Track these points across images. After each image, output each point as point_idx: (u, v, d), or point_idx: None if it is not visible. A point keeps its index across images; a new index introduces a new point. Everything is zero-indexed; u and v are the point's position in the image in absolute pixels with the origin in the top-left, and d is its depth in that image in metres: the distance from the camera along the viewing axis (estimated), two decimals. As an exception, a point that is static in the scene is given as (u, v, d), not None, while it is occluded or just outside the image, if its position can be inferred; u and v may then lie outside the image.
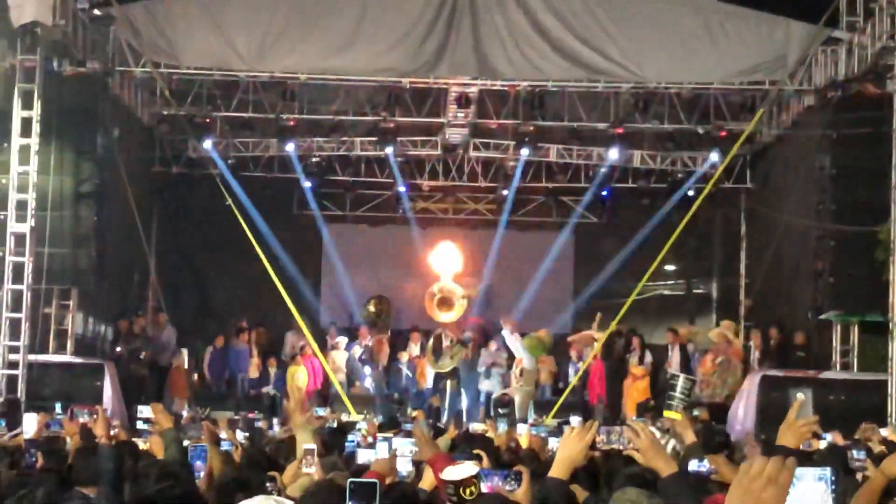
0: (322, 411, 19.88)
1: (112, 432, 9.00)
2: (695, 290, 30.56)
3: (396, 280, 29.01)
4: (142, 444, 10.23)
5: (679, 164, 27.72)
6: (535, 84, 23.42)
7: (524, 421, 18.51)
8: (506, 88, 24.56)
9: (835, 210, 20.82)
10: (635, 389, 24.42)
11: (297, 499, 5.92)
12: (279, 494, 6.26)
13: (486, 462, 6.67)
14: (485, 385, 25.48)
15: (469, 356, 25.11)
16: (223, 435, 12.56)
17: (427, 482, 6.61)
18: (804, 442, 6.42)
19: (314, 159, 27.61)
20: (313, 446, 7.46)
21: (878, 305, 19.83)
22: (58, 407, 16.06)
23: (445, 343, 24.50)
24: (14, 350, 19.47)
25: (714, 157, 26.07)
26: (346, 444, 11.79)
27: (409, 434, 12.51)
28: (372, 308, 27.88)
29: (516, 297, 28.26)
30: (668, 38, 21.16)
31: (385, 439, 9.88)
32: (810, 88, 22.62)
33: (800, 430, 5.79)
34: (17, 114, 19.66)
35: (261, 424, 18.40)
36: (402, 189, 28.47)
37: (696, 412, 21.37)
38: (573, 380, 25.25)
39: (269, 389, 25.54)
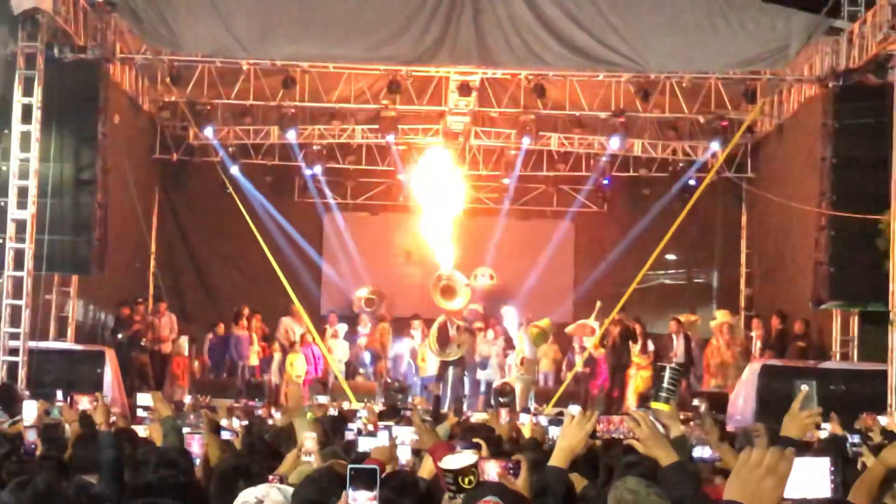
0: (322, 399, 19.90)
1: (112, 419, 9.01)
2: (695, 280, 30.55)
3: (397, 268, 29.02)
4: (141, 432, 10.24)
5: (680, 152, 27.73)
6: (536, 73, 23.41)
7: (526, 410, 18.51)
8: (507, 77, 24.56)
9: (835, 200, 20.79)
10: (639, 378, 24.46)
11: (296, 486, 5.93)
12: (281, 482, 6.26)
13: (485, 451, 6.67)
14: (484, 374, 25.50)
15: (475, 345, 25.17)
16: (223, 422, 12.59)
17: (426, 470, 6.60)
18: (808, 433, 6.43)
19: (315, 147, 27.62)
20: (313, 434, 7.46)
21: (878, 295, 19.82)
22: (59, 394, 16.08)
23: (452, 332, 24.51)
24: (14, 337, 19.47)
25: (715, 146, 26.10)
26: (347, 432, 11.78)
27: (409, 422, 12.52)
28: (367, 293, 27.87)
29: (517, 285, 28.28)
30: (669, 27, 21.12)
31: (385, 427, 9.87)
32: (811, 78, 22.61)
33: (804, 421, 5.80)
34: (18, 100, 19.65)
35: (261, 412, 18.39)
36: (401, 177, 28.43)
37: (695, 402, 21.45)
38: (574, 368, 25.27)
39: (270, 376, 25.52)
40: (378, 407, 19.08)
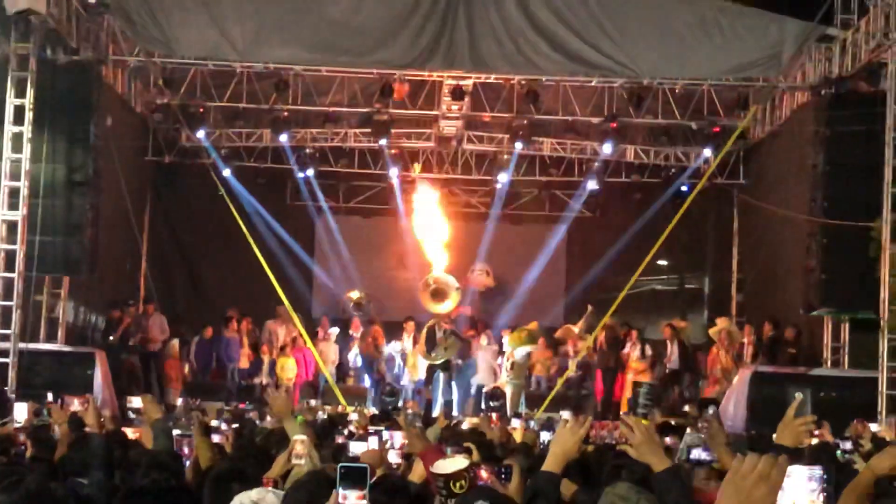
0: (313, 402, 19.92)
1: (102, 421, 9.00)
2: (687, 286, 30.60)
3: (389, 272, 29.03)
4: (131, 434, 10.23)
5: (672, 159, 27.78)
6: (529, 78, 23.42)
7: (517, 415, 18.52)
8: (500, 82, 24.57)
9: (827, 207, 20.82)
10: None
11: (287, 490, 5.92)
12: (276, 486, 6.26)
13: (475, 455, 6.67)
14: (475, 378, 25.49)
15: (464, 348, 25.16)
16: (214, 423, 12.58)
17: (417, 475, 6.61)
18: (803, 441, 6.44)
19: (308, 150, 27.62)
20: (304, 437, 7.45)
21: (869, 302, 19.85)
22: (49, 396, 16.06)
23: (439, 334, 24.50)
24: (5, 338, 19.43)
25: (707, 152, 26.14)
26: (337, 435, 11.78)
27: (396, 424, 12.52)
28: (356, 296, 27.85)
29: (508, 290, 28.30)
30: (662, 33, 21.14)
31: (376, 432, 9.87)
32: (804, 85, 22.66)
33: (798, 429, 5.80)
34: (10, 101, 19.62)
35: (252, 415, 18.39)
36: (394, 181, 28.41)
37: (686, 408, 21.46)
38: (566, 373, 25.28)
39: (261, 378, 25.47)
40: (372, 410, 19.13)
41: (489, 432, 11.41)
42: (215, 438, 9.91)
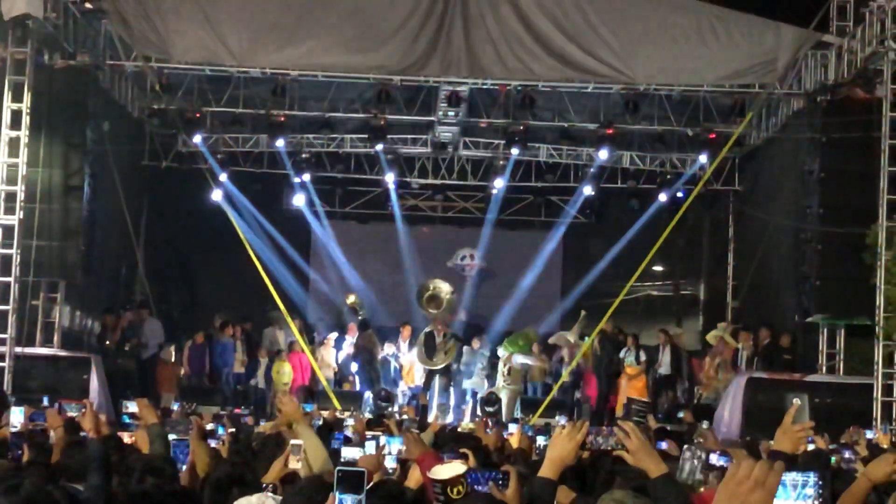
0: (308, 407, 19.88)
1: (99, 426, 8.99)
2: (682, 292, 30.62)
3: (385, 276, 29.03)
4: (126, 439, 10.22)
5: (668, 165, 27.80)
6: (525, 84, 23.44)
7: (514, 420, 18.52)
8: (496, 88, 24.57)
9: (822, 213, 20.87)
10: (632, 388, 24.50)
11: (284, 494, 5.93)
12: (275, 491, 6.26)
13: (472, 461, 6.68)
14: (469, 383, 25.49)
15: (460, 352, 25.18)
16: (210, 426, 12.57)
17: (413, 480, 6.61)
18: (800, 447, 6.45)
19: (304, 155, 27.62)
20: (300, 442, 7.46)
21: (864, 309, 19.89)
22: (44, 400, 16.04)
23: (438, 339, 24.50)
24: (1, 342, 19.42)
25: (703, 158, 26.17)
26: (334, 440, 11.77)
27: (389, 429, 12.51)
28: (352, 301, 27.85)
29: (504, 295, 28.31)
30: (658, 39, 21.18)
31: (373, 437, 9.88)
32: (800, 92, 22.69)
33: (797, 435, 5.81)
34: (7, 106, 19.64)
35: (248, 420, 18.38)
36: (391, 186, 28.41)
37: (680, 414, 21.48)
38: (560, 379, 25.27)
39: (256, 381, 25.44)
40: (367, 415, 19.10)
41: (484, 437, 11.41)
42: (212, 443, 9.91)
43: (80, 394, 18.17)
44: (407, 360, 25.85)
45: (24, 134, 19.58)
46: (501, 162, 27.87)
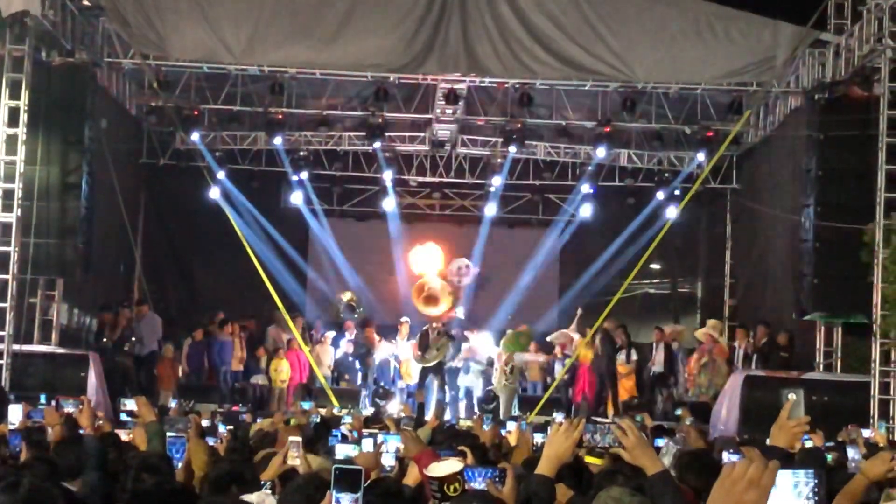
0: (306, 405, 19.89)
1: (97, 424, 9.00)
2: (680, 290, 30.64)
3: (382, 274, 29.03)
4: (124, 436, 10.24)
5: (666, 163, 27.81)
6: (523, 81, 23.45)
7: (512, 418, 18.53)
8: (494, 85, 24.61)
9: (820, 211, 20.86)
10: (622, 387, 24.54)
11: (282, 492, 5.94)
12: (273, 490, 6.28)
13: (470, 458, 6.69)
14: (464, 380, 25.49)
15: (455, 349, 25.18)
16: (205, 423, 12.57)
17: (411, 478, 6.62)
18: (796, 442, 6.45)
19: (302, 153, 27.62)
20: (298, 438, 7.47)
21: (861, 307, 19.88)
22: (42, 398, 16.05)
23: (432, 336, 24.50)
24: (-2, 340, 19.43)
25: (700, 156, 26.18)
26: (331, 438, 11.79)
27: (386, 426, 12.52)
28: (348, 298, 27.82)
29: (502, 293, 28.32)
30: (657, 37, 21.16)
31: (370, 435, 9.88)
32: (797, 90, 22.73)
33: (792, 430, 5.81)
34: (5, 103, 19.59)
35: (245, 417, 18.39)
36: (388, 183, 28.39)
37: (678, 412, 21.50)
38: (558, 377, 25.28)
39: (256, 378, 25.44)
40: (365, 413, 19.12)
41: (482, 435, 11.43)
42: (210, 441, 9.92)
43: (77, 391, 18.13)
44: (404, 358, 25.86)
45: (21, 131, 19.55)
46: (499, 160, 27.88)
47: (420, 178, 28.99)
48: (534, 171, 28.63)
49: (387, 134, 26.20)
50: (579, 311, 25.89)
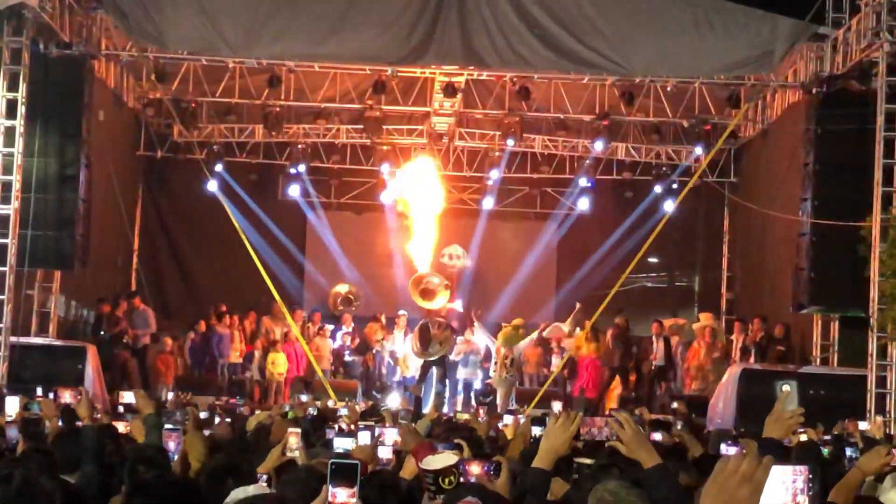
0: (304, 398, 19.91)
1: (95, 415, 9.00)
2: (677, 283, 30.63)
3: (380, 268, 29.01)
4: (122, 428, 10.24)
5: (664, 156, 27.81)
6: (521, 75, 23.45)
7: (510, 411, 18.53)
8: (492, 79, 24.61)
9: (817, 205, 20.86)
10: (618, 382, 24.59)
11: (278, 485, 5.95)
12: (269, 482, 6.28)
13: (466, 452, 6.70)
14: (462, 373, 25.48)
15: (455, 342, 25.18)
16: (203, 414, 12.57)
17: (408, 471, 6.63)
18: (790, 434, 6.46)
19: (300, 146, 27.60)
20: (298, 430, 7.48)
21: (858, 301, 19.89)
22: (39, 390, 16.05)
23: (433, 330, 24.47)
24: (-4, 332, 19.44)
25: (698, 150, 26.15)
26: (328, 430, 11.79)
27: (383, 420, 12.52)
28: (344, 291, 27.76)
29: (499, 286, 28.31)
30: (655, 31, 21.16)
31: (366, 427, 9.89)
32: (795, 84, 22.72)
33: (787, 422, 5.82)
34: (3, 95, 19.60)
35: (243, 410, 18.39)
36: (386, 176, 28.35)
37: (674, 405, 21.52)
38: (554, 371, 25.28)
39: (250, 374, 25.45)
40: (362, 405, 19.11)
41: (479, 428, 11.43)
42: (207, 433, 9.92)
43: (75, 383, 18.10)
44: (402, 351, 25.83)
45: (19, 123, 19.55)
46: (497, 153, 27.86)
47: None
48: (531, 165, 28.62)
49: (385, 127, 26.19)
50: (577, 306, 25.87)
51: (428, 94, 25.37)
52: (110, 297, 24.02)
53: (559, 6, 20.96)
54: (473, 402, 23.83)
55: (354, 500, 4.33)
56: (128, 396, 15.71)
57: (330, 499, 4.33)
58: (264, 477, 6.63)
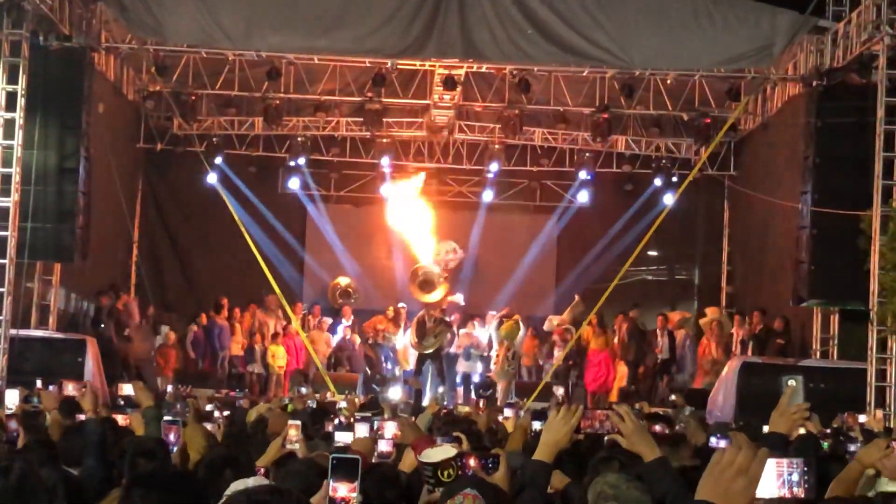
0: (303, 390, 19.92)
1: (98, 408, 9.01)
2: (677, 276, 30.63)
3: (380, 260, 29.02)
4: (121, 421, 10.25)
5: (663, 149, 27.79)
6: (521, 67, 23.43)
7: (510, 405, 18.56)
8: (492, 71, 24.58)
9: (817, 198, 20.86)
10: (624, 373, 24.63)
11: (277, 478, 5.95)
12: (266, 476, 6.28)
13: (465, 445, 6.70)
14: (463, 367, 25.49)
15: (452, 336, 25.18)
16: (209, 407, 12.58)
17: (407, 464, 6.63)
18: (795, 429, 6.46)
19: (299, 138, 27.58)
20: (298, 422, 7.48)
21: (858, 294, 19.89)
22: (38, 382, 16.07)
23: (429, 323, 24.50)
24: (-4, 324, 19.44)
25: (698, 143, 26.13)
26: (328, 423, 11.79)
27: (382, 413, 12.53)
28: (344, 282, 27.75)
29: (499, 279, 28.30)
30: (655, 24, 21.15)
31: (364, 419, 9.88)
32: (795, 77, 22.70)
33: (792, 417, 5.82)
34: (2, 88, 19.60)
35: (243, 403, 18.40)
36: (386, 170, 28.33)
37: (672, 397, 21.56)
38: (554, 364, 25.28)
39: (252, 367, 25.46)
40: (361, 398, 19.11)
41: (479, 421, 11.44)
42: (208, 426, 9.93)
43: (75, 376, 18.19)
44: (401, 344, 25.87)
45: (19, 116, 19.54)
46: (497, 146, 27.85)
47: (417, 164, 28.95)
48: (531, 158, 28.61)
49: (384, 119, 26.18)
50: (576, 298, 25.89)
51: (428, 87, 25.35)
52: (107, 290, 23.98)
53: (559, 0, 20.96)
54: (473, 396, 23.86)
55: (355, 494, 4.34)
56: (127, 389, 15.73)
57: (331, 493, 4.34)
58: (261, 471, 6.63)
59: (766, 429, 6.15)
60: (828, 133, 20.88)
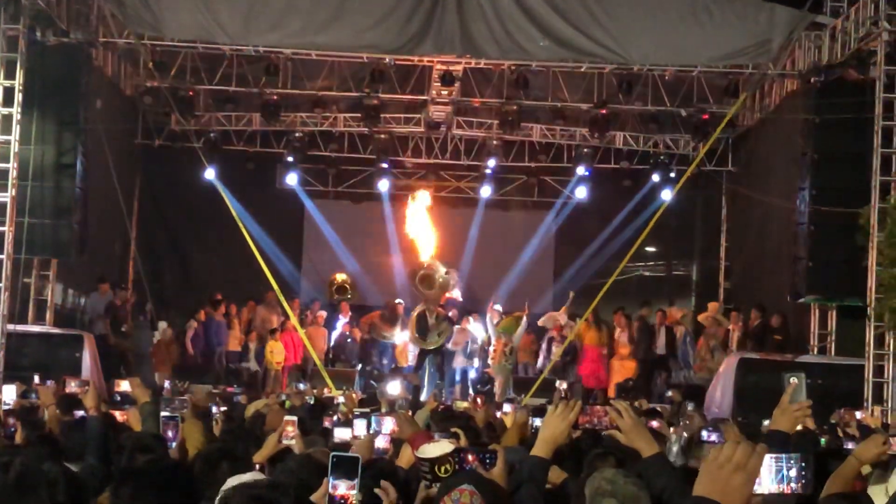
0: (302, 386, 19.89)
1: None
2: (675, 272, 30.65)
3: (378, 257, 29.01)
4: (118, 417, 10.24)
5: (661, 146, 27.80)
6: (519, 63, 23.42)
7: (509, 400, 18.55)
8: (490, 67, 24.58)
9: (815, 194, 20.86)
10: (624, 369, 24.61)
11: (275, 474, 5.94)
12: (262, 472, 6.27)
13: (463, 440, 6.69)
14: (460, 362, 25.49)
15: (453, 332, 25.19)
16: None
17: (405, 460, 6.63)
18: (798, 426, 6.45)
19: (297, 134, 27.58)
20: (294, 418, 7.48)
21: (856, 290, 19.91)
22: (36, 378, 16.05)
23: (431, 320, 24.48)
24: (-7, 320, 19.43)
25: (696, 139, 26.13)
26: (326, 419, 11.78)
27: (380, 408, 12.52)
28: (341, 278, 27.68)
29: (497, 275, 28.30)
30: (653, 20, 21.13)
31: (362, 415, 9.87)
32: (793, 73, 22.70)
33: (794, 414, 5.81)
34: (0, 83, 19.57)
35: (240, 399, 18.38)
36: (384, 165, 28.33)
37: (669, 393, 21.55)
38: (553, 359, 25.28)
39: (249, 364, 25.47)
40: (360, 394, 19.10)
41: (477, 416, 11.42)
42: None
43: (72, 371, 18.19)
44: (400, 340, 25.85)
45: (16, 111, 19.52)
46: (495, 142, 27.85)
47: (415, 160, 28.96)
48: (529, 154, 28.62)
49: (382, 115, 26.18)
50: (571, 295, 25.89)
51: (425, 83, 25.35)
52: (104, 279, 23.98)
53: (557, -5, 20.94)
54: (471, 391, 23.84)
55: (354, 492, 4.36)
56: (125, 385, 15.71)
57: (331, 490, 4.36)
58: (257, 467, 6.63)
59: (765, 424, 6.14)
60: (826, 129, 20.88)
